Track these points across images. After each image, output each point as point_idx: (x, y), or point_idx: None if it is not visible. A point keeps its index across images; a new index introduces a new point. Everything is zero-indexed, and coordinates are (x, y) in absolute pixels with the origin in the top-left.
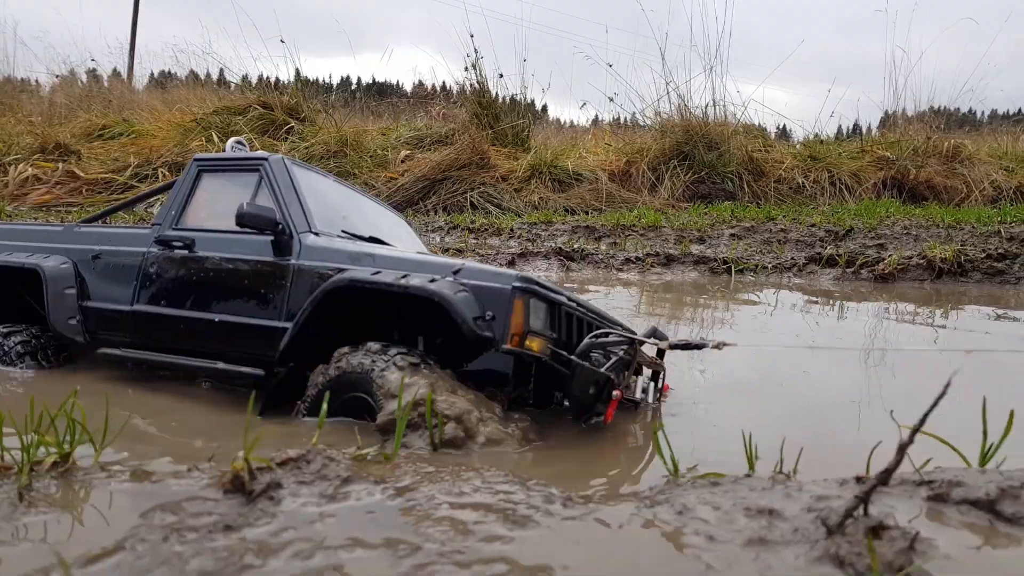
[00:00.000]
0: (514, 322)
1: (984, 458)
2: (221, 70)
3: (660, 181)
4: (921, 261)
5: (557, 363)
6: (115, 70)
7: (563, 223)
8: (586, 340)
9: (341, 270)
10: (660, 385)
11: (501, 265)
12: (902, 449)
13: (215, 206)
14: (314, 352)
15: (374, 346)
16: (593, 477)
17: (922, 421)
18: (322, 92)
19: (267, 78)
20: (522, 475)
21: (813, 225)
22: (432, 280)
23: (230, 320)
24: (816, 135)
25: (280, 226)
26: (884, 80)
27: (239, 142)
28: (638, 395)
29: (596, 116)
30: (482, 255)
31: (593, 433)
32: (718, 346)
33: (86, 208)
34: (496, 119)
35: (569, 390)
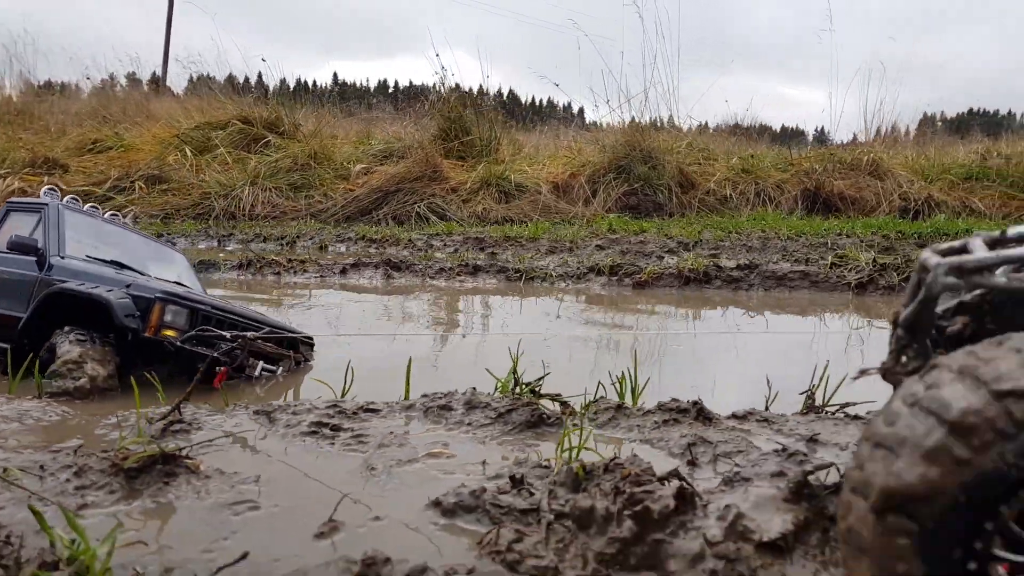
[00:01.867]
0: (153, 319)
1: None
2: (260, 73)
3: (596, 194)
4: (673, 271)
5: (182, 346)
6: (154, 74)
7: (459, 235)
8: (189, 333)
9: (64, 281)
10: (283, 368)
11: (335, 274)
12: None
13: (12, 235)
14: (49, 334)
15: (65, 329)
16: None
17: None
18: (333, 99)
19: (277, 85)
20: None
21: (670, 237)
22: (109, 291)
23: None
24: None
25: (40, 251)
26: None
27: (52, 189)
28: (256, 372)
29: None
30: (322, 264)
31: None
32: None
33: None
34: (465, 131)
35: (183, 364)
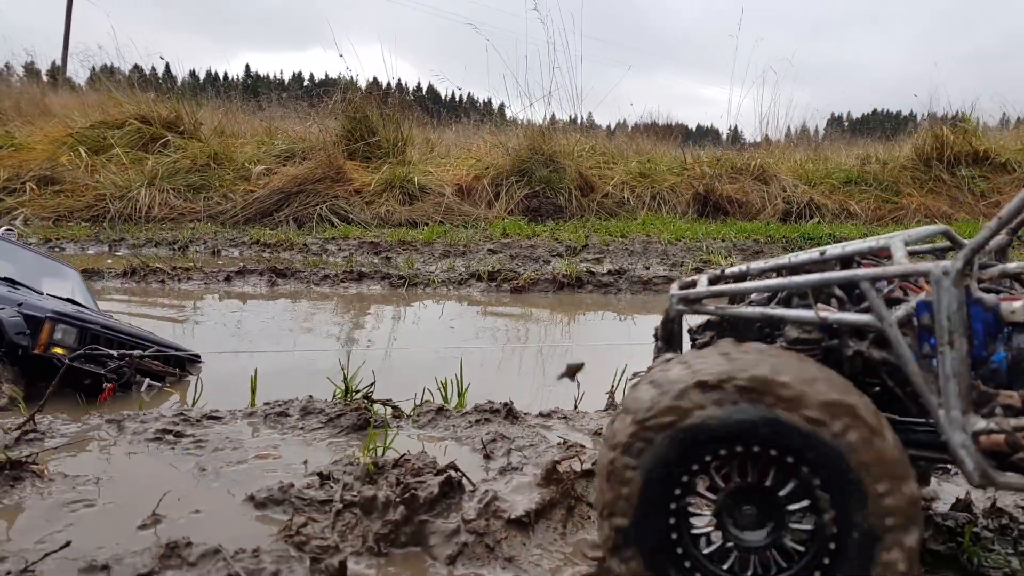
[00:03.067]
0: (42, 337)
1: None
2: (167, 64)
3: (499, 196)
4: (548, 276)
5: (71, 363)
6: (53, 64)
7: (355, 239)
8: (77, 352)
9: None
10: (167, 384)
11: (220, 281)
12: None
13: None
14: None
15: None
16: None
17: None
18: (244, 92)
19: (186, 77)
20: None
21: (559, 241)
22: (1, 308)
23: None
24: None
25: None
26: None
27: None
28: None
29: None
30: (207, 272)
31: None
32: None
33: None
34: (371, 132)
35: (67, 380)
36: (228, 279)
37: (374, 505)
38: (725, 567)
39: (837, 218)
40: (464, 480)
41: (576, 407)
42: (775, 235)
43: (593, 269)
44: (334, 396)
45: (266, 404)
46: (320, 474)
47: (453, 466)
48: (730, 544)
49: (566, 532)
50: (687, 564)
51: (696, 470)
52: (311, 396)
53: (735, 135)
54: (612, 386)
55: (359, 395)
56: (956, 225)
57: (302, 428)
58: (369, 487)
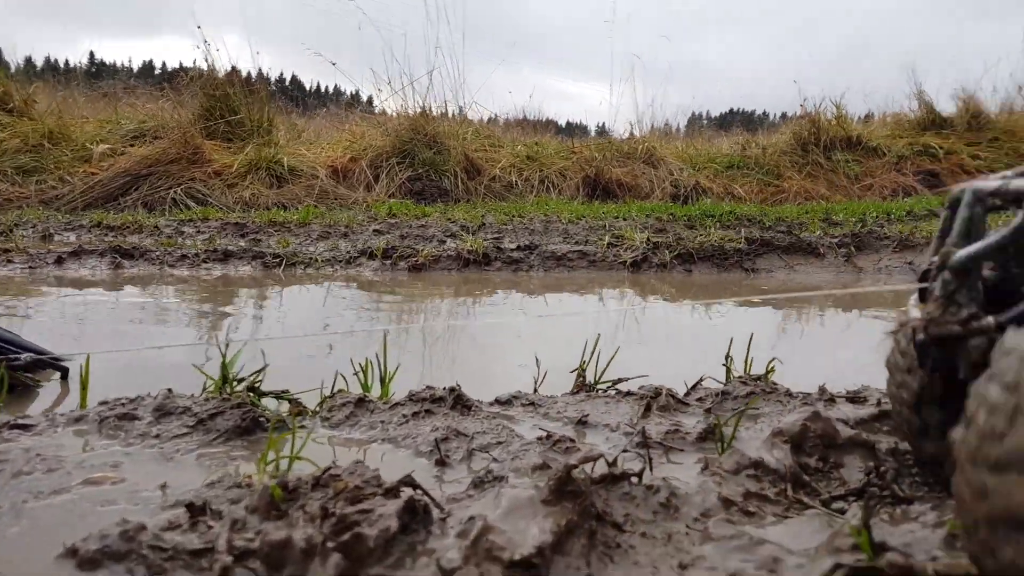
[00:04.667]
0: None
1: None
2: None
3: (379, 179)
4: (452, 253)
5: None
6: None
7: (216, 220)
8: None
9: None
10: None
11: (49, 264)
12: None
13: None
14: None
15: None
16: None
17: None
18: (86, 79)
19: (20, 64)
20: None
21: (453, 221)
22: None
23: None
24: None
25: None
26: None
27: None
28: None
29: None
30: (33, 254)
31: None
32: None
33: None
34: (232, 111)
35: None
36: (59, 261)
37: (286, 555)
38: None
39: (723, 199)
40: (428, 502)
41: (536, 389)
42: (677, 213)
43: (501, 245)
44: (204, 390)
45: (103, 404)
46: (190, 505)
47: (410, 481)
48: None
49: (591, 572)
50: None
51: None
52: (169, 390)
53: (603, 131)
54: (581, 363)
55: (241, 386)
56: (834, 206)
57: (157, 436)
58: (276, 524)
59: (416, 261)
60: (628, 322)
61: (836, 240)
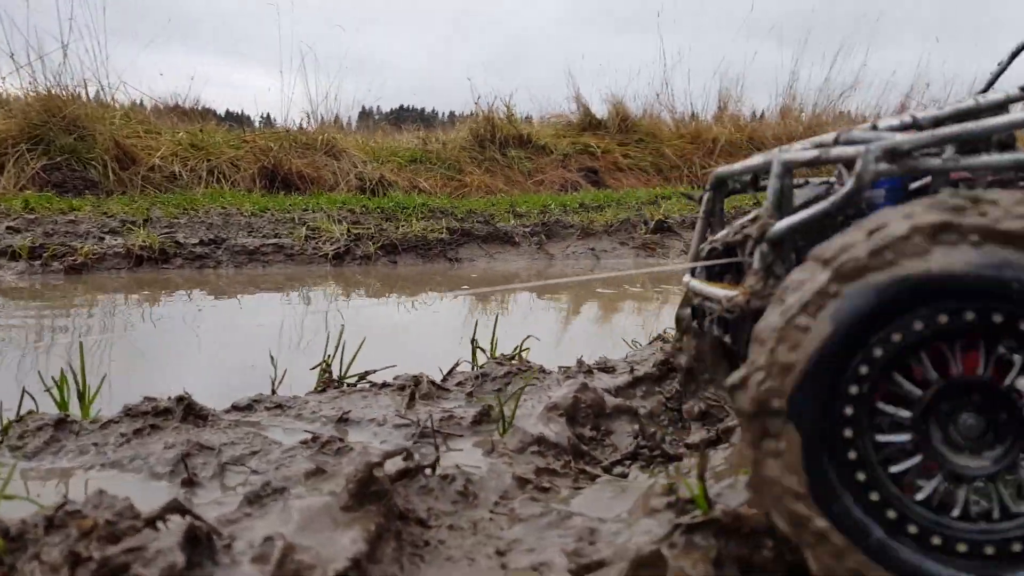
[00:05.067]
0: None
1: None
2: None
3: (4, 168)
4: (120, 250)
5: None
6: None
7: None
8: None
9: None
10: None
11: None
12: None
13: None
14: None
15: None
16: None
17: None
18: None
19: None
20: None
21: (111, 215)
22: None
23: None
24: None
25: None
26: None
27: None
28: None
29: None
30: None
31: None
32: None
33: None
34: None
35: None
36: None
37: None
38: (918, 497)
39: (409, 193)
40: (207, 528)
41: (274, 389)
42: (370, 206)
43: (178, 240)
44: None
45: None
46: None
47: (177, 507)
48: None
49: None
50: (860, 476)
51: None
52: None
53: (268, 122)
54: (325, 357)
55: None
56: (516, 198)
57: None
58: None
59: (74, 261)
60: (350, 315)
61: (529, 229)
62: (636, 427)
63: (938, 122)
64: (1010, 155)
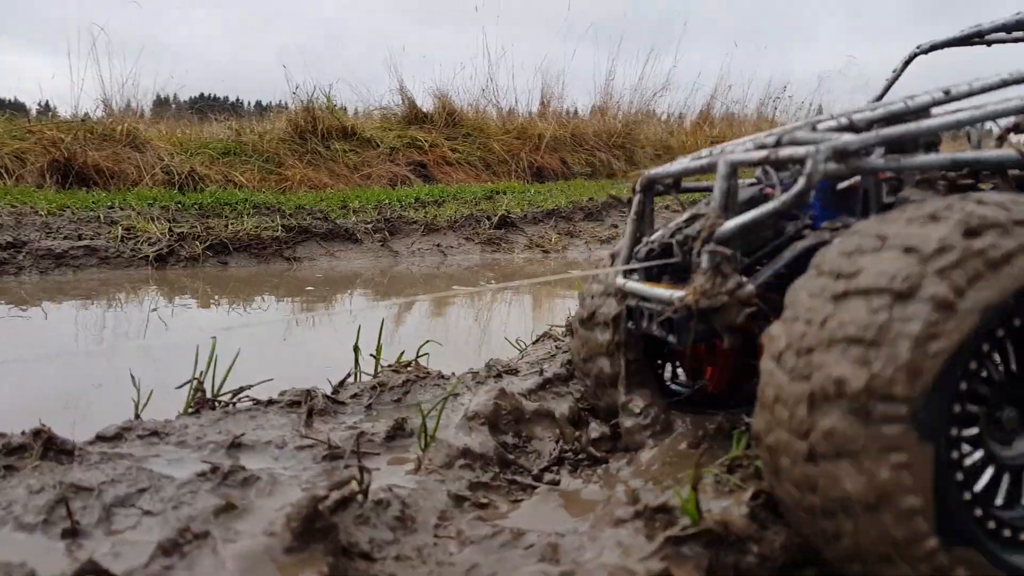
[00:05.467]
0: None
1: None
2: None
3: None
4: None
5: None
6: None
7: None
8: None
9: None
10: None
11: None
12: None
13: None
14: None
15: None
16: None
17: None
18: None
19: None
20: None
21: None
22: None
23: None
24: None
25: None
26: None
27: None
28: None
29: None
30: None
31: None
32: None
33: None
34: None
35: None
36: None
37: None
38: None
39: (224, 187)
40: None
41: (138, 414)
42: (186, 202)
43: None
44: None
45: None
46: None
47: (93, 568)
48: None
49: None
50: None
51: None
52: None
53: (46, 109)
54: (198, 376)
55: None
56: (348, 193)
57: None
58: None
59: None
60: (184, 323)
61: (371, 226)
62: (556, 431)
63: (871, 124)
64: (947, 155)
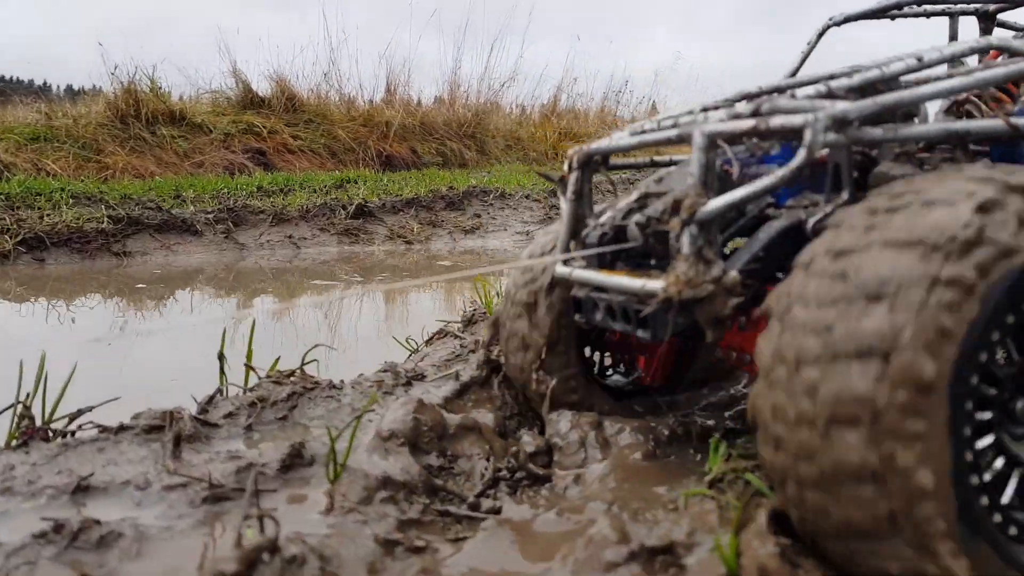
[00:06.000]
0: None
1: None
2: None
3: None
4: None
5: None
6: None
7: None
8: None
9: None
10: None
11: None
12: None
13: None
14: None
15: None
16: None
17: None
18: None
19: None
20: None
21: None
22: None
23: None
24: None
25: None
26: None
27: None
28: None
29: None
30: None
31: None
32: None
33: None
34: None
35: None
36: None
37: None
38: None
39: (34, 177)
40: None
41: None
42: None
43: None
44: None
45: None
46: None
47: None
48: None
49: None
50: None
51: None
52: None
53: None
54: (22, 400)
55: None
56: (181, 181)
57: None
58: None
59: None
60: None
61: (212, 216)
62: (486, 446)
63: (851, 91)
64: (941, 125)
